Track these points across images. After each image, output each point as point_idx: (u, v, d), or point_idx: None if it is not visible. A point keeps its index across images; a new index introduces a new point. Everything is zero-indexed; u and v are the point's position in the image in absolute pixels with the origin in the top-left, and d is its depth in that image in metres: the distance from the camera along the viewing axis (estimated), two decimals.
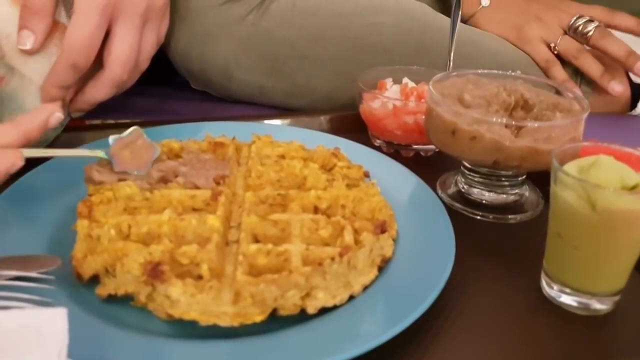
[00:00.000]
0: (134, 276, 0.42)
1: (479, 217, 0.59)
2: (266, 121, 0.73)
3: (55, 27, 0.56)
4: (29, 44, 0.54)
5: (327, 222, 0.48)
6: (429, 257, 0.48)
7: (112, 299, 0.43)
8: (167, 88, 0.84)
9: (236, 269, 0.43)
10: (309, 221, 0.48)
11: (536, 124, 0.55)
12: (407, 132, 0.67)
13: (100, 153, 0.52)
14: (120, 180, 0.50)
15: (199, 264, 0.43)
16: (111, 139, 0.52)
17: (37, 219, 0.51)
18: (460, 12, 0.68)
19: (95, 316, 0.42)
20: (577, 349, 0.45)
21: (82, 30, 0.54)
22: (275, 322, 0.41)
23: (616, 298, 0.48)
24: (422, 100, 0.66)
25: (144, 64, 0.62)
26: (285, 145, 0.58)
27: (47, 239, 0.49)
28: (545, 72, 0.80)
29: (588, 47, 0.80)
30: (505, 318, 0.47)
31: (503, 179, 0.60)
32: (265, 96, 0.79)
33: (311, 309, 0.42)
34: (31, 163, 0.57)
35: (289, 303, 0.42)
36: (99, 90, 0.59)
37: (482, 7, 0.84)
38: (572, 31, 0.80)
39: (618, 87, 0.78)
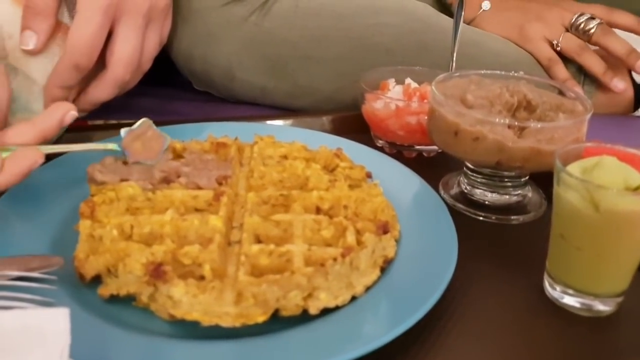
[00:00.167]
0: (136, 276, 0.42)
1: (481, 218, 0.58)
2: (268, 122, 0.73)
3: (58, 28, 0.56)
4: (31, 44, 0.55)
5: (330, 222, 0.48)
6: (431, 258, 0.48)
7: (114, 299, 0.43)
8: (170, 88, 0.84)
9: (238, 270, 0.43)
10: (311, 222, 0.48)
11: (539, 125, 0.55)
12: (409, 133, 0.66)
13: (113, 146, 0.53)
14: (122, 180, 0.50)
15: (201, 265, 0.43)
16: (123, 131, 0.53)
17: (40, 219, 0.51)
18: (462, 13, 0.68)
19: (97, 316, 0.42)
20: (579, 350, 0.45)
21: (84, 30, 0.55)
22: (277, 322, 0.41)
23: (619, 299, 0.48)
24: (425, 100, 0.66)
25: (147, 64, 0.62)
26: (288, 145, 0.58)
27: (50, 239, 0.49)
28: (547, 70, 0.80)
29: (590, 45, 0.80)
30: (508, 319, 0.47)
31: (506, 179, 0.60)
32: (268, 97, 0.79)
33: (313, 310, 0.42)
34: None
35: (291, 304, 0.42)
36: (102, 90, 0.59)
37: (483, 10, 0.84)
38: (573, 29, 0.80)
39: (621, 84, 0.78)
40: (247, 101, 0.80)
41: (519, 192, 0.61)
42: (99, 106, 0.61)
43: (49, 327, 0.33)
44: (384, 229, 0.47)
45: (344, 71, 0.76)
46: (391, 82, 0.71)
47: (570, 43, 0.79)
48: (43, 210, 0.52)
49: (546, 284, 0.49)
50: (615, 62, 0.80)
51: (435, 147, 0.67)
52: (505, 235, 0.57)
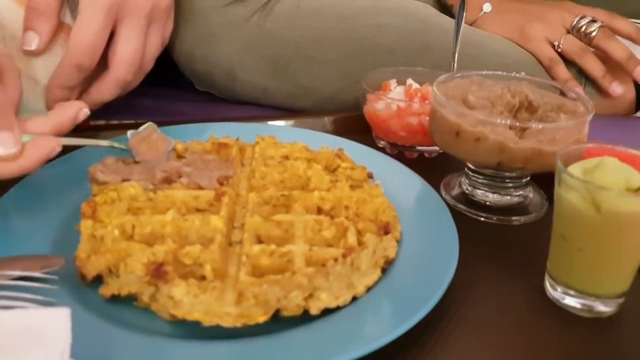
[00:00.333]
0: (137, 276, 0.42)
1: (482, 219, 0.58)
2: (270, 122, 0.73)
3: (60, 28, 0.56)
4: (34, 44, 0.55)
5: (331, 223, 0.48)
6: (432, 259, 0.48)
7: (115, 299, 0.43)
8: (172, 89, 0.84)
9: (239, 270, 0.43)
10: (313, 222, 0.48)
11: (540, 126, 0.55)
12: (411, 134, 0.66)
13: (122, 145, 0.55)
14: (124, 180, 0.50)
15: (202, 265, 0.43)
16: (129, 133, 0.55)
17: (41, 219, 0.51)
18: (464, 14, 0.68)
19: (98, 316, 0.42)
20: (580, 351, 0.45)
21: (87, 30, 0.55)
22: (278, 323, 0.41)
23: (620, 300, 0.48)
24: (426, 101, 0.66)
25: (149, 64, 0.62)
26: (289, 146, 0.58)
27: (51, 239, 0.49)
28: (549, 70, 0.80)
29: (591, 48, 0.80)
30: (509, 320, 0.47)
31: (507, 180, 0.60)
32: (269, 97, 0.79)
33: (314, 310, 0.42)
34: None
35: (292, 304, 0.42)
36: (104, 90, 0.59)
37: (484, 12, 0.84)
38: (575, 31, 0.80)
39: (619, 89, 0.78)
40: (249, 102, 0.80)
41: (520, 192, 0.61)
42: (101, 106, 0.61)
43: (50, 326, 0.33)
44: (385, 230, 0.47)
45: (346, 72, 0.76)
46: (393, 82, 0.71)
47: (571, 45, 0.79)
48: (45, 210, 0.52)
49: (547, 285, 0.49)
50: (616, 65, 0.80)
51: (436, 148, 0.67)
52: (506, 236, 0.57)
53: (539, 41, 0.80)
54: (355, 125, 0.72)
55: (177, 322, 0.41)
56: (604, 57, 0.80)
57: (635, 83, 0.81)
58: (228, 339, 0.40)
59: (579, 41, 0.79)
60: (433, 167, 0.67)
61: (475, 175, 0.60)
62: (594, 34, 0.78)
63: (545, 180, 0.55)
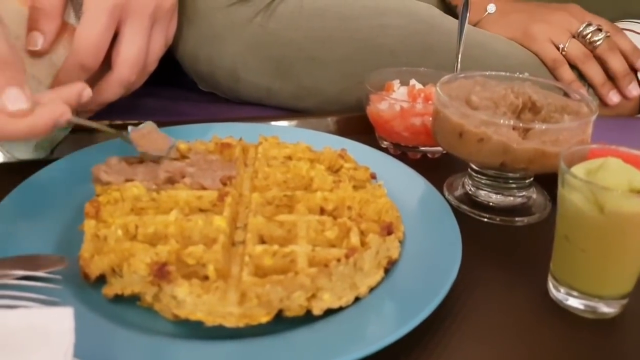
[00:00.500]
0: (141, 276, 0.42)
1: (486, 220, 0.58)
2: (273, 122, 0.73)
3: (64, 29, 0.56)
4: (38, 44, 0.55)
5: (334, 223, 0.48)
6: (435, 259, 0.48)
7: (118, 299, 0.44)
8: (175, 89, 0.84)
9: (242, 270, 0.43)
10: (315, 222, 0.48)
11: (544, 126, 0.55)
12: (414, 134, 0.66)
13: (125, 135, 0.55)
14: (127, 180, 0.51)
15: (205, 265, 0.43)
16: (129, 128, 0.55)
17: (45, 218, 0.51)
18: (468, 15, 0.68)
19: (101, 316, 0.42)
20: (583, 352, 0.45)
21: (91, 30, 0.55)
22: (281, 323, 0.41)
23: (624, 301, 0.47)
24: (430, 102, 0.66)
25: (152, 65, 0.62)
26: (292, 146, 0.58)
27: (55, 239, 0.49)
28: (553, 71, 0.80)
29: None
30: (512, 320, 0.47)
31: (510, 181, 0.60)
32: (273, 98, 0.79)
33: (317, 310, 0.42)
34: (38, 163, 0.57)
35: (295, 304, 0.42)
36: (107, 91, 0.59)
37: (488, 13, 0.84)
38: (580, 37, 0.80)
39: (615, 98, 0.80)
40: (252, 102, 0.80)
41: (524, 193, 0.61)
42: (105, 107, 0.61)
43: (54, 326, 0.33)
44: (388, 230, 0.47)
45: (349, 72, 0.76)
46: (396, 83, 0.71)
47: (576, 50, 0.80)
48: (48, 210, 0.52)
49: (550, 286, 0.49)
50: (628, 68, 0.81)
51: (439, 149, 0.67)
52: (509, 236, 0.57)
53: (543, 42, 0.80)
54: (358, 125, 0.72)
55: (180, 322, 0.41)
56: (604, 66, 0.80)
57: None
58: (231, 339, 0.40)
59: (584, 47, 0.80)
60: (436, 167, 0.67)
61: (479, 175, 0.60)
62: (598, 43, 0.79)
63: (548, 181, 0.55)
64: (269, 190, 0.52)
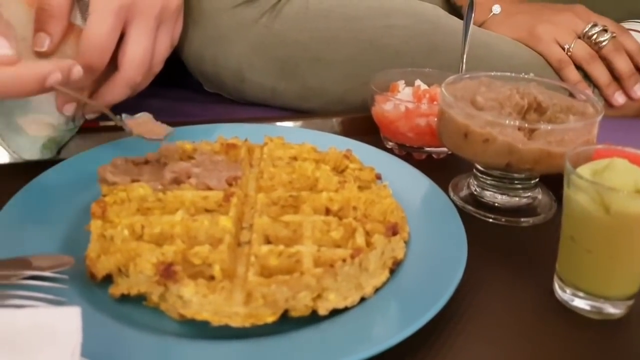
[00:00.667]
0: (147, 276, 0.43)
1: (491, 220, 0.58)
2: (278, 123, 0.73)
3: (70, 30, 0.57)
4: (45, 45, 0.55)
5: (339, 223, 0.48)
6: (440, 260, 0.48)
7: (125, 298, 0.44)
8: (181, 90, 0.84)
9: (248, 270, 0.43)
10: (321, 223, 0.48)
11: (549, 127, 0.55)
12: (419, 135, 0.66)
13: (119, 119, 0.56)
14: (133, 181, 0.51)
15: (211, 265, 0.43)
16: (123, 115, 0.56)
17: (51, 219, 0.51)
18: (473, 15, 0.68)
19: (108, 316, 0.42)
20: (589, 353, 0.44)
21: (97, 31, 0.55)
22: (287, 323, 0.42)
23: (630, 302, 0.47)
24: (435, 102, 0.66)
25: (158, 66, 0.62)
26: (297, 147, 0.58)
27: (61, 239, 0.49)
28: (558, 72, 0.80)
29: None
30: (517, 321, 0.47)
31: (516, 181, 0.60)
32: (278, 98, 0.79)
33: (322, 311, 0.42)
34: (45, 164, 0.57)
35: (301, 304, 0.42)
36: (113, 91, 0.59)
37: (493, 14, 0.84)
38: (585, 38, 0.80)
39: (621, 99, 0.80)
40: (257, 103, 0.80)
41: (529, 194, 0.61)
42: (110, 107, 0.61)
43: (61, 325, 0.34)
44: (394, 231, 0.47)
45: (354, 73, 0.76)
46: (401, 83, 0.71)
47: (581, 50, 0.80)
48: (55, 211, 0.52)
49: (556, 287, 0.49)
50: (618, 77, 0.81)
51: (444, 149, 0.67)
52: (515, 237, 0.57)
53: (549, 42, 0.80)
54: (363, 126, 0.72)
55: (186, 321, 0.42)
56: (610, 67, 0.80)
57: None
58: (236, 339, 0.40)
59: (590, 48, 0.80)
60: (441, 168, 0.67)
61: (484, 176, 0.60)
62: (604, 43, 0.79)
63: (554, 182, 0.55)
64: (275, 190, 0.52)
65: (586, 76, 0.81)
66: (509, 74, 0.63)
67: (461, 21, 0.70)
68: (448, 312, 0.44)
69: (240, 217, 0.50)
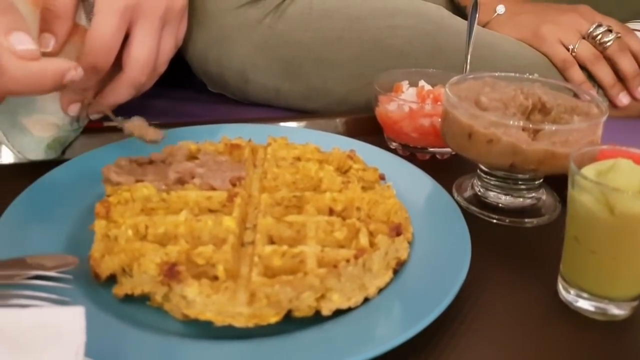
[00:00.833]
0: (151, 276, 0.43)
1: (495, 221, 0.58)
2: (282, 123, 0.73)
3: (75, 30, 0.57)
4: (50, 46, 0.55)
5: (343, 224, 0.48)
6: (444, 261, 0.48)
7: (128, 298, 0.44)
8: (185, 90, 0.84)
9: (251, 270, 0.43)
10: (324, 223, 0.48)
11: (554, 127, 0.55)
12: (423, 135, 0.66)
13: (117, 119, 0.57)
14: (137, 181, 0.51)
15: (214, 265, 0.43)
16: (120, 118, 0.58)
17: (55, 219, 0.51)
18: (477, 15, 0.68)
19: (112, 315, 0.42)
20: (593, 354, 0.44)
21: (102, 32, 0.55)
22: (290, 323, 0.42)
23: (634, 303, 0.47)
24: (439, 103, 0.66)
25: (162, 66, 0.62)
26: (301, 147, 0.58)
27: (65, 239, 0.49)
28: (563, 72, 0.80)
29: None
30: (521, 322, 0.47)
31: (520, 182, 0.59)
32: (281, 99, 0.79)
33: (326, 311, 0.42)
34: (49, 164, 0.58)
35: (304, 304, 0.42)
36: (118, 92, 0.59)
37: (497, 14, 0.84)
38: (590, 38, 0.80)
39: (625, 99, 0.80)
40: (261, 103, 0.80)
41: (533, 194, 0.60)
42: (115, 108, 0.61)
43: (65, 325, 0.34)
44: (397, 231, 0.47)
45: (358, 73, 0.76)
46: (405, 84, 0.71)
47: (586, 50, 0.79)
48: (59, 210, 0.52)
49: (560, 287, 0.49)
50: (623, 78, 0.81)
51: (448, 150, 0.67)
52: (519, 238, 0.57)
53: (553, 42, 0.80)
54: (366, 126, 0.72)
55: (190, 321, 0.42)
56: (614, 67, 0.80)
57: None
58: (240, 339, 0.40)
59: (594, 48, 0.80)
60: (445, 168, 0.67)
61: (488, 177, 0.60)
62: (608, 44, 0.79)
63: (558, 182, 0.55)
64: (278, 191, 0.52)
65: (590, 77, 0.80)
66: (513, 74, 0.63)
67: (465, 21, 0.70)
68: (452, 312, 0.44)
69: (244, 218, 0.50)
